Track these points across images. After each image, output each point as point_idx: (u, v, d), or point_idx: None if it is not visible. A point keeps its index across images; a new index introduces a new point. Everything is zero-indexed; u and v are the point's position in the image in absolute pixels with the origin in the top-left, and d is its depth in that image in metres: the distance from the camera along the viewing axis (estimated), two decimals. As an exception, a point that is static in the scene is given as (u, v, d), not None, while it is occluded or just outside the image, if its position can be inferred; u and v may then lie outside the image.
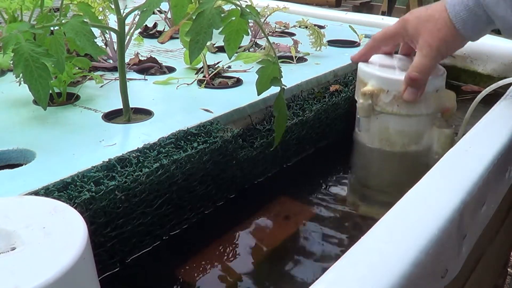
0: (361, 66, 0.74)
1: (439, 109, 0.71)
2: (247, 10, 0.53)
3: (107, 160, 0.48)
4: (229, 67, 0.79)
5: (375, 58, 0.76)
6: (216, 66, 0.77)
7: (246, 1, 0.83)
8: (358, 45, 0.99)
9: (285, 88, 0.59)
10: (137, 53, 0.82)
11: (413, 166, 0.73)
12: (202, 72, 0.75)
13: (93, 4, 0.71)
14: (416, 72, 0.65)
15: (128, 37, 0.64)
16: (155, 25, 1.06)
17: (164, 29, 1.05)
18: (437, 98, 0.70)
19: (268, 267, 0.54)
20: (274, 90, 0.60)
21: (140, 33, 1.01)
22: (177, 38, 0.93)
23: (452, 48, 0.67)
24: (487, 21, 0.62)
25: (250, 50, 0.90)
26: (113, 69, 0.77)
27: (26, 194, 0.42)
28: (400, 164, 0.74)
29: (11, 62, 0.51)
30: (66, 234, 0.31)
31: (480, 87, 0.98)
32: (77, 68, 0.66)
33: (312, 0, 2.80)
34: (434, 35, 0.64)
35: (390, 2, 4.14)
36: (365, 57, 0.74)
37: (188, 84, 0.72)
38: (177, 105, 0.65)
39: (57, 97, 0.64)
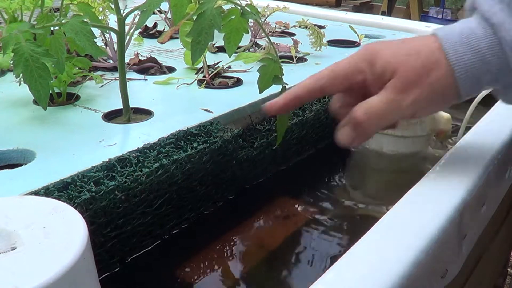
0: None
1: (434, 131, 0.72)
2: (247, 9, 0.53)
3: (107, 160, 0.48)
4: (229, 67, 0.79)
5: None
6: (216, 66, 0.77)
7: (246, 1, 0.83)
8: (358, 45, 0.99)
9: (286, 86, 0.59)
10: (137, 53, 0.82)
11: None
12: (202, 72, 0.75)
13: (93, 4, 0.71)
14: (364, 113, 0.44)
15: (128, 37, 0.64)
16: (155, 25, 1.06)
17: (164, 29, 1.05)
18: (432, 120, 0.70)
19: (268, 267, 0.54)
20: (274, 89, 0.60)
21: (140, 33, 1.01)
22: (177, 38, 0.93)
23: (434, 107, 0.46)
24: (495, 73, 0.43)
25: (250, 50, 0.90)
26: (113, 69, 0.77)
27: (26, 194, 0.42)
28: (397, 174, 0.74)
29: (11, 62, 0.51)
30: (66, 234, 0.31)
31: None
32: (77, 68, 0.66)
33: (312, 0, 2.80)
34: (418, 80, 0.43)
35: (390, 2, 4.14)
36: (286, 107, 0.48)
37: (188, 84, 0.72)
38: (177, 105, 0.65)
39: (57, 97, 0.64)
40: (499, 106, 0.65)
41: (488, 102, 0.69)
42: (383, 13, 3.95)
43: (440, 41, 0.43)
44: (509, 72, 0.42)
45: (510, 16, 0.42)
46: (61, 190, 0.43)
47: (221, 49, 0.88)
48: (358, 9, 3.93)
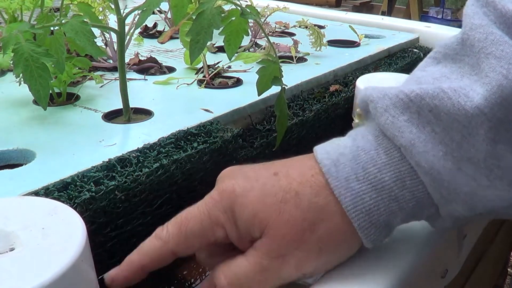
0: (359, 85, 0.74)
1: None
2: (247, 10, 0.53)
3: (107, 160, 0.48)
4: (229, 67, 0.79)
5: (376, 79, 0.76)
6: (216, 66, 0.76)
7: (246, 1, 0.83)
8: (358, 45, 0.99)
9: (285, 87, 0.59)
10: (137, 53, 0.82)
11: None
12: (202, 72, 0.75)
13: (93, 4, 0.71)
14: (229, 284, 0.33)
15: (128, 37, 0.64)
16: (155, 25, 1.06)
17: (164, 29, 1.05)
18: None
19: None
20: (274, 90, 0.60)
21: (140, 33, 1.01)
22: (177, 38, 0.93)
23: (334, 258, 0.34)
24: (410, 209, 0.33)
25: (250, 50, 0.90)
26: (113, 69, 0.77)
27: (26, 194, 0.41)
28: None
29: (11, 62, 0.51)
30: (65, 235, 0.31)
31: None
32: (77, 68, 0.66)
33: (312, 0, 2.80)
34: (299, 235, 0.32)
35: (390, 2, 4.14)
36: (131, 280, 0.37)
37: (188, 84, 0.72)
38: (177, 105, 0.65)
39: (57, 97, 0.64)
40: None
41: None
42: (383, 13, 3.95)
43: (327, 176, 0.32)
44: (430, 205, 0.33)
45: (422, 129, 0.30)
46: (61, 190, 0.43)
47: (221, 49, 0.88)
48: (358, 9, 3.93)
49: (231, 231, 0.34)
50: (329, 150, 0.34)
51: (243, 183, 0.34)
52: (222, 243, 0.35)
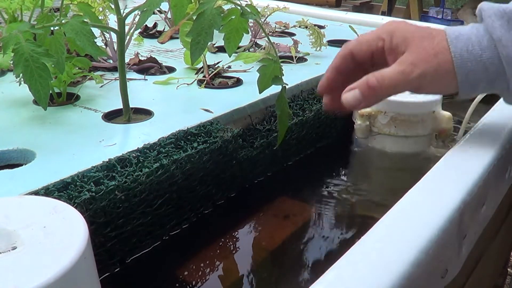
0: None
1: (436, 130, 0.72)
2: (247, 9, 0.53)
3: (107, 160, 0.48)
4: (229, 67, 0.79)
5: None
6: (216, 66, 0.77)
7: (246, 1, 0.83)
8: (358, 45, 0.99)
9: (286, 86, 0.59)
10: (137, 53, 0.82)
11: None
12: (202, 72, 0.75)
13: (93, 4, 0.71)
14: (377, 80, 0.49)
15: (128, 37, 0.64)
16: (155, 25, 1.06)
17: (164, 29, 1.05)
18: (434, 119, 0.71)
19: (268, 267, 0.54)
20: (274, 90, 0.60)
21: (140, 33, 1.01)
22: (177, 38, 0.93)
23: (436, 86, 0.50)
24: (493, 80, 0.49)
25: (250, 50, 0.90)
26: (113, 69, 0.77)
27: (26, 194, 0.42)
28: (397, 174, 0.75)
29: (11, 62, 0.51)
30: (67, 233, 0.31)
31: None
32: (77, 68, 0.66)
33: (312, 0, 2.80)
34: (427, 58, 0.49)
35: (390, 2, 4.14)
36: (333, 82, 0.54)
37: (188, 84, 0.72)
38: (177, 105, 0.65)
39: (57, 97, 0.64)
40: (500, 106, 0.65)
41: (489, 101, 0.69)
42: (383, 13, 3.95)
43: (451, 45, 0.49)
44: (504, 81, 0.48)
45: (508, 31, 0.48)
46: (61, 190, 0.43)
47: (221, 49, 0.88)
48: (358, 9, 3.93)
49: (387, 44, 0.51)
50: (454, 30, 0.50)
51: (403, 24, 0.52)
52: (379, 56, 0.52)
